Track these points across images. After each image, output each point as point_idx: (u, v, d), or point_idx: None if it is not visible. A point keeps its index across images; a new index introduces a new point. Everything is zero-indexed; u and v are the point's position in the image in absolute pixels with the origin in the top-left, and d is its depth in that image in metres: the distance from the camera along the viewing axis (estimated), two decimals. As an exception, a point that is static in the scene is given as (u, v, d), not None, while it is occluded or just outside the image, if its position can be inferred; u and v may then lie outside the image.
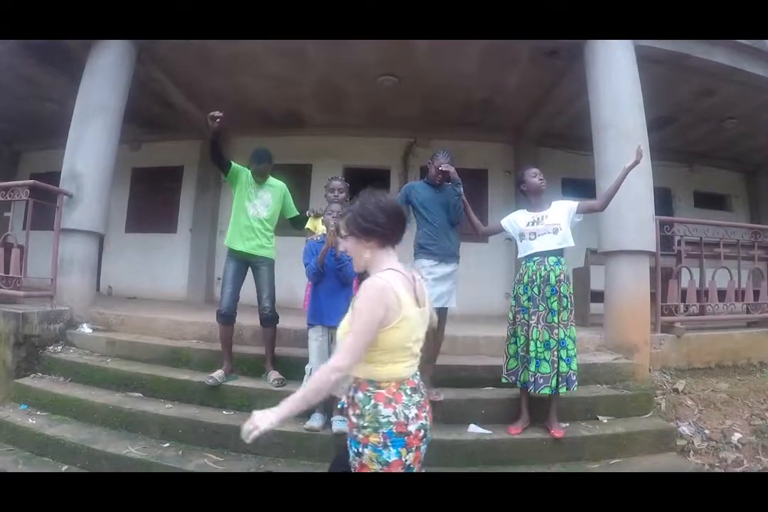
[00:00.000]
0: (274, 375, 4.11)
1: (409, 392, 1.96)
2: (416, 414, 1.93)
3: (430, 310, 2.15)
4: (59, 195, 5.26)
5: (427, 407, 2.01)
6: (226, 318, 4.16)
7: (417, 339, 2.05)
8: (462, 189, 3.93)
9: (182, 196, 9.20)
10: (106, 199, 5.52)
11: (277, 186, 4.44)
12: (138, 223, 9.11)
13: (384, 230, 2.03)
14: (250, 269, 4.35)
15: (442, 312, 3.90)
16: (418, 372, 2.08)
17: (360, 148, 8.70)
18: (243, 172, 4.34)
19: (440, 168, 3.84)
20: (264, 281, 4.31)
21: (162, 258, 8.65)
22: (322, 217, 3.95)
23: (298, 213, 4.56)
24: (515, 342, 3.79)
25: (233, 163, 4.30)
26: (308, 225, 4.50)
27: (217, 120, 3.83)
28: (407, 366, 2.00)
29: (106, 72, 5.60)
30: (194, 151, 9.09)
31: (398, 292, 1.91)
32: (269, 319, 4.25)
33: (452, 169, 3.82)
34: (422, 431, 1.94)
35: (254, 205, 4.29)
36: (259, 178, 4.32)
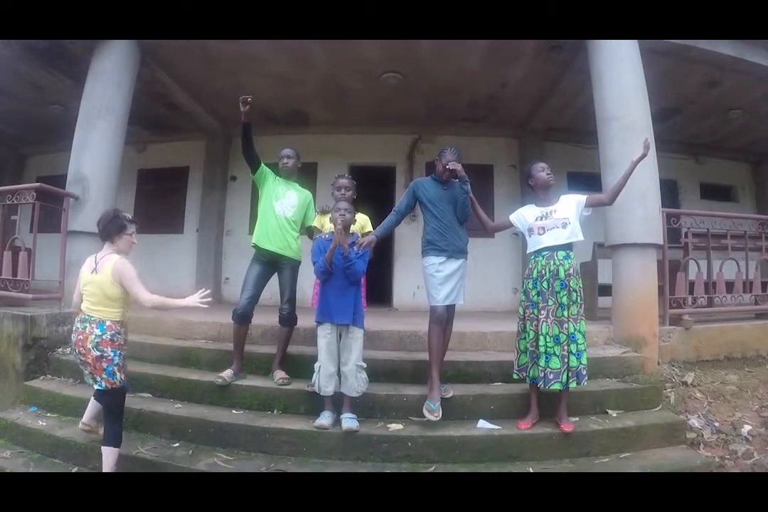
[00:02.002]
0: (279, 374, 4.12)
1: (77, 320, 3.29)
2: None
3: (104, 277, 3.24)
4: (65, 197, 5.28)
5: (81, 336, 3.20)
6: (242, 318, 4.17)
7: (87, 292, 3.28)
8: (469, 186, 3.91)
9: (188, 197, 9.22)
10: (112, 200, 5.50)
11: (303, 192, 4.53)
12: (144, 224, 8.82)
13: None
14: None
15: (450, 309, 3.92)
16: (91, 315, 3.24)
17: (365, 145, 8.72)
18: (271, 175, 4.40)
19: (447, 166, 3.82)
20: (286, 282, 4.34)
21: (169, 259, 8.66)
22: (329, 215, 3.95)
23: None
24: (525, 338, 3.78)
25: (263, 164, 4.36)
26: (315, 223, 4.52)
27: (248, 103, 3.91)
28: (84, 306, 3.28)
29: (109, 74, 5.62)
30: (199, 151, 9.13)
31: (83, 267, 3.37)
32: (287, 320, 4.29)
33: (459, 167, 3.79)
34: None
35: (281, 204, 4.33)
36: (285, 166, 4.41)
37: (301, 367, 4.04)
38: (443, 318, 3.81)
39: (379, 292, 8.47)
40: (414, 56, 6.32)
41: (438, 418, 3.55)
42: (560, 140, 8.84)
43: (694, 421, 4.22)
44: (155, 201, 9.15)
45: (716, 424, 4.24)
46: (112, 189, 5.56)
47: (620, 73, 5.23)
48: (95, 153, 5.46)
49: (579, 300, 3.68)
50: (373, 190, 7.01)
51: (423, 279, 3.97)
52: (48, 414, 4.16)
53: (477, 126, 8.67)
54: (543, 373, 3.57)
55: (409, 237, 7.95)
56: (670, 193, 8.44)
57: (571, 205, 3.79)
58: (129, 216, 3.42)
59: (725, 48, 5.89)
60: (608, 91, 5.27)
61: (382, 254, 7.93)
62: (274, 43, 5.65)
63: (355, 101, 7.86)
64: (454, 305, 3.96)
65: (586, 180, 7.28)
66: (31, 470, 3.49)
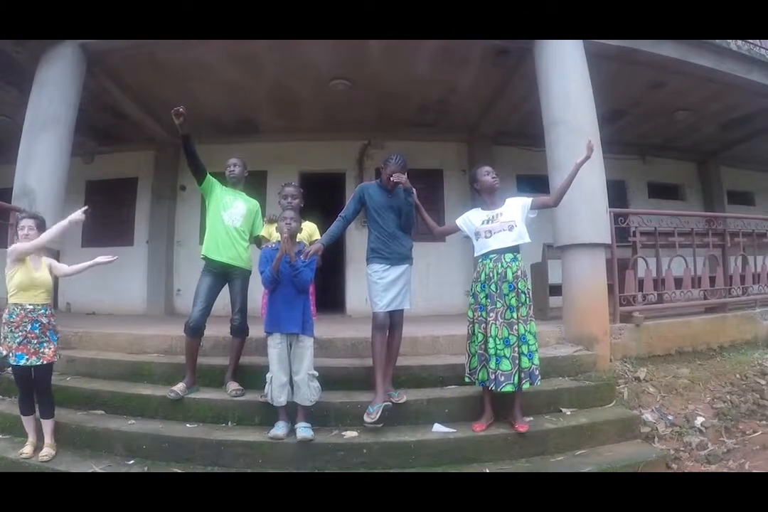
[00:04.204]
0: (233, 385, 4.07)
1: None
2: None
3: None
4: (11, 212, 5.13)
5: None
6: (195, 331, 4.11)
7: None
8: (414, 196, 3.93)
9: (137, 208, 9.08)
10: (59, 213, 5.32)
11: (251, 202, 4.48)
12: (94, 237, 8.89)
13: None
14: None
15: (396, 314, 3.93)
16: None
17: (315, 152, 8.69)
18: (218, 185, 4.36)
19: (392, 179, 3.80)
20: (237, 293, 4.31)
21: (120, 272, 8.43)
22: (276, 224, 3.93)
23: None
24: (474, 341, 3.80)
25: (209, 174, 4.30)
26: (263, 232, 4.49)
27: (182, 115, 3.79)
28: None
29: (55, 84, 5.51)
30: (148, 161, 9.01)
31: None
32: (238, 331, 4.25)
33: (403, 179, 3.77)
34: None
35: (230, 214, 4.28)
36: (232, 173, 4.38)
37: (255, 378, 3.98)
38: (385, 325, 3.82)
39: (333, 299, 8.48)
40: (362, 62, 6.34)
41: (374, 420, 3.56)
42: (509, 143, 8.95)
43: (648, 416, 4.30)
44: (104, 213, 8.95)
45: (670, 417, 4.32)
46: (60, 201, 5.43)
47: (566, 78, 5.31)
48: (41, 165, 5.34)
49: (528, 302, 3.72)
50: (323, 197, 7.01)
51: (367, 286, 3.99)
52: (0, 436, 4.01)
53: (427, 131, 8.72)
54: (494, 376, 3.59)
55: (360, 243, 7.83)
56: (618, 193, 8.63)
57: (517, 207, 3.83)
58: (23, 213, 4.00)
59: (669, 50, 6.00)
60: (554, 95, 5.36)
61: (334, 260, 7.92)
62: (222, 50, 5.63)
63: (305, 108, 7.86)
64: (402, 310, 3.98)
65: (535, 182, 7.42)
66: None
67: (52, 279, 3.85)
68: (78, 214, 3.70)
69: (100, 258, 3.81)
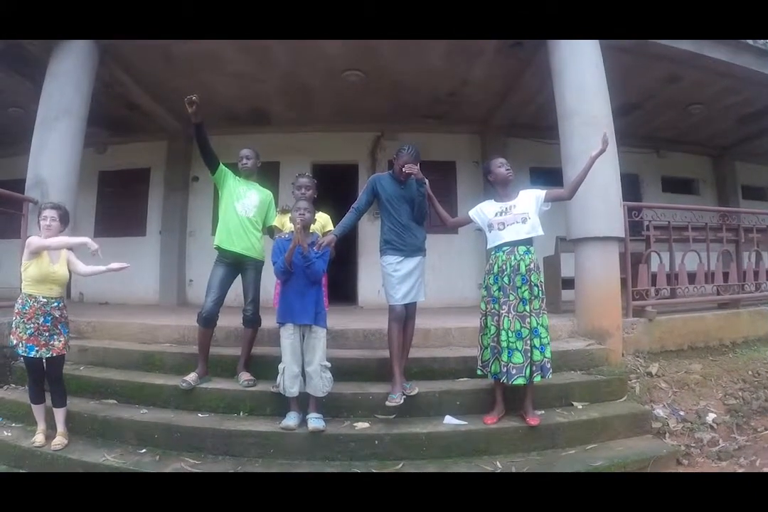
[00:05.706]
0: (244, 376, 4.09)
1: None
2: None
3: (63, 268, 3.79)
4: (24, 202, 5.16)
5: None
6: (207, 321, 4.13)
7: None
8: (427, 187, 3.91)
9: (150, 199, 9.11)
10: (72, 204, 5.34)
11: (264, 192, 4.49)
12: (107, 227, 8.98)
13: None
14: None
15: (410, 306, 3.93)
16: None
17: (327, 143, 8.69)
18: (231, 175, 4.36)
19: (404, 169, 3.79)
20: (250, 283, 4.31)
21: (132, 262, 8.43)
22: (289, 214, 3.93)
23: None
24: (487, 333, 3.78)
25: (222, 164, 4.31)
26: (275, 222, 4.49)
27: (194, 103, 3.78)
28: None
29: (68, 75, 5.52)
30: (161, 152, 9.03)
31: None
32: (251, 321, 4.26)
33: (415, 170, 3.76)
34: None
35: (243, 204, 4.29)
36: (245, 167, 4.37)
37: (267, 368, 4.00)
38: (402, 317, 3.83)
39: (344, 290, 8.50)
40: (375, 54, 6.33)
41: (399, 403, 3.59)
42: (522, 136, 8.91)
43: (660, 411, 4.26)
44: (117, 203, 9.08)
45: (681, 413, 4.29)
46: (72, 192, 5.43)
47: (580, 70, 5.28)
48: (54, 156, 5.35)
49: (540, 295, 3.71)
50: (335, 188, 7.00)
51: (382, 278, 3.98)
52: (13, 425, 4.05)
53: (439, 122, 8.70)
54: (506, 368, 3.58)
55: (372, 235, 7.83)
56: (631, 187, 8.56)
57: (530, 199, 3.81)
58: (46, 204, 3.89)
59: (685, 44, 5.96)
60: (568, 87, 5.32)
61: (347, 252, 7.92)
62: (234, 41, 5.61)
63: (318, 99, 7.85)
64: (415, 302, 3.98)
65: (549, 175, 7.36)
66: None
67: (68, 274, 3.86)
68: (92, 245, 3.60)
69: (114, 265, 3.78)
